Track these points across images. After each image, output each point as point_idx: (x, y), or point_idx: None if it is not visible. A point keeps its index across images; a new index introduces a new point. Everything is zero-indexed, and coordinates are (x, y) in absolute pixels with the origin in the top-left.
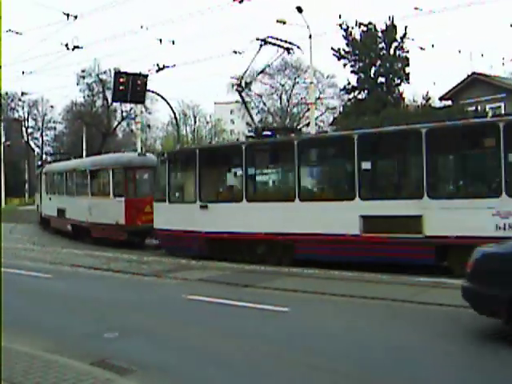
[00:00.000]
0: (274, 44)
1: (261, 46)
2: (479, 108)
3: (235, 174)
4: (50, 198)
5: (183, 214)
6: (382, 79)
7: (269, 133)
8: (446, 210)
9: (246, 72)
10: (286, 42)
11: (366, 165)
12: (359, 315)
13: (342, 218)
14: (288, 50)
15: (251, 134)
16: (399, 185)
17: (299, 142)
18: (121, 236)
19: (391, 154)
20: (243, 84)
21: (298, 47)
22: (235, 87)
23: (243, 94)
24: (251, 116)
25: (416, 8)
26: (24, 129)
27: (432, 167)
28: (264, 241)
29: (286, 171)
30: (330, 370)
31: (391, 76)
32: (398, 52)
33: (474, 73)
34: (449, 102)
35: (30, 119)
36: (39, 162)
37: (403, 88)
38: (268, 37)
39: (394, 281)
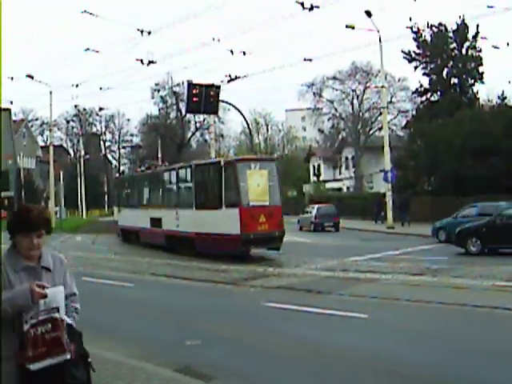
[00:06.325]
0: None
1: None
2: None
3: None
4: None
5: None
6: (454, 80)
7: None
8: None
9: None
10: None
11: None
12: (437, 320)
13: None
14: None
15: None
16: None
17: None
18: None
19: None
20: None
21: None
22: None
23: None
24: None
25: (489, 6)
26: (102, 142)
27: None
28: None
29: None
30: (415, 378)
31: (464, 76)
32: (470, 52)
33: None
34: None
35: (107, 133)
36: (117, 175)
37: (477, 88)
38: None
39: (467, 285)
